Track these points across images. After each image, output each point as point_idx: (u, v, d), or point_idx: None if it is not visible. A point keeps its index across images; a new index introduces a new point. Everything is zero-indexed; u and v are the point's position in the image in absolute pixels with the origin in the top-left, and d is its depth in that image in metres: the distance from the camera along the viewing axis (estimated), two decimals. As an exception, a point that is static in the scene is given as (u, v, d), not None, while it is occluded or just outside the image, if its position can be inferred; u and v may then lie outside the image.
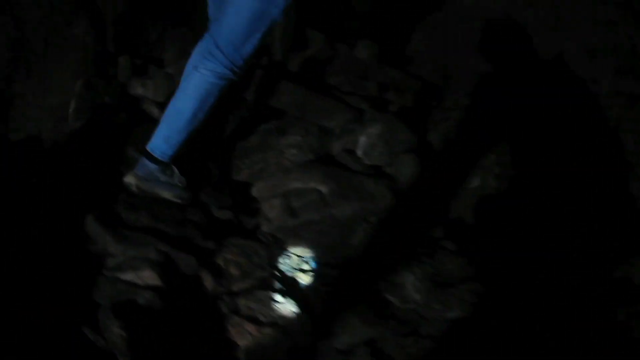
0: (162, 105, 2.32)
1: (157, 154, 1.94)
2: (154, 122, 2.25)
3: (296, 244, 2.02)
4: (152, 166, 1.95)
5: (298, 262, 1.98)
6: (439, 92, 2.70)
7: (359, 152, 2.14)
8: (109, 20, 2.43)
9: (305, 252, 2.01)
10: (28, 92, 2.37)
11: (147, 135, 2.02)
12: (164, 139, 1.95)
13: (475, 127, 2.40)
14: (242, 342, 1.68)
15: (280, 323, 1.72)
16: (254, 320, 1.72)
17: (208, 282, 1.82)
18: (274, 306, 1.77)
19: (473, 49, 2.86)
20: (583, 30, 2.47)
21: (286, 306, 1.78)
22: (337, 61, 2.48)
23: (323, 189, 2.05)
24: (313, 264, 1.99)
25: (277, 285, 1.87)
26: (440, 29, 2.99)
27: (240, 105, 2.33)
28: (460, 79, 2.84)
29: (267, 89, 2.28)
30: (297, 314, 1.75)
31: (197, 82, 1.88)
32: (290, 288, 1.87)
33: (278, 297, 1.81)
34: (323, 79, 2.43)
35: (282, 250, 2.01)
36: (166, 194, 2.00)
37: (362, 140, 2.11)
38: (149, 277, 1.75)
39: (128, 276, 1.75)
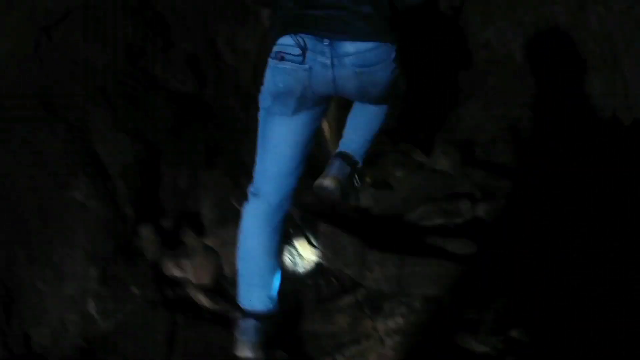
0: (210, 290, 1.77)
1: None
2: (204, 313, 1.74)
3: None
4: None
5: None
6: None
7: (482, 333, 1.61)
8: (116, 174, 1.82)
9: None
10: (36, 279, 1.80)
11: (201, 334, 1.61)
12: None
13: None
14: None
15: None
16: None
17: None
18: None
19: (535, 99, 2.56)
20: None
21: None
22: (419, 179, 1.92)
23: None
24: None
25: None
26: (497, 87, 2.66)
27: (321, 275, 1.78)
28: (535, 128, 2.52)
29: (345, 255, 1.69)
30: None
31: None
32: None
33: None
34: (408, 217, 1.84)
35: None
36: None
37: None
38: None
39: None
